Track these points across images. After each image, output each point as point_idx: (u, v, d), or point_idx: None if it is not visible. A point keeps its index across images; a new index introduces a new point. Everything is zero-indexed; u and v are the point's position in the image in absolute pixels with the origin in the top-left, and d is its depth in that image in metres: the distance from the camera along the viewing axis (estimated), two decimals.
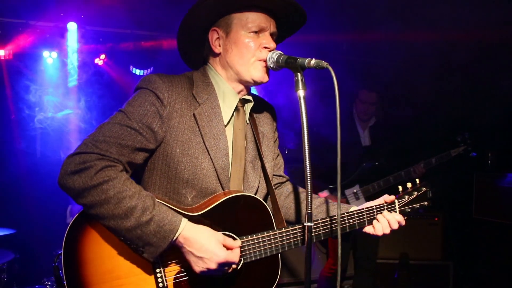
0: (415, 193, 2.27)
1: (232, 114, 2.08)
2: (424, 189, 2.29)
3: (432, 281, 5.27)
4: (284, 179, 2.43)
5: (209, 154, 1.95)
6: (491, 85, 6.39)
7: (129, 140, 1.80)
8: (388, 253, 5.29)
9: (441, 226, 5.32)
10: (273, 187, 2.23)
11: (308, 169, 1.71)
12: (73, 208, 4.87)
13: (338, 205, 1.67)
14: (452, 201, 6.31)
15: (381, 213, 2.16)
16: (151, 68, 6.07)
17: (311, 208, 1.72)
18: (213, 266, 1.79)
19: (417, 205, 2.26)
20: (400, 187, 2.31)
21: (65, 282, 1.76)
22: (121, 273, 1.80)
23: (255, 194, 2.10)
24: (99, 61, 5.76)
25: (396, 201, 2.22)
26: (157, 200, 1.81)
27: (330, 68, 1.68)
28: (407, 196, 2.25)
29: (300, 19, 2.13)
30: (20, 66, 5.57)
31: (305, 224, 1.74)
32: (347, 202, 4.57)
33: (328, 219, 2.09)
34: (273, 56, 1.94)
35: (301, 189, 2.37)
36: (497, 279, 5.64)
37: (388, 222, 2.14)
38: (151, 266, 1.84)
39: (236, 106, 2.09)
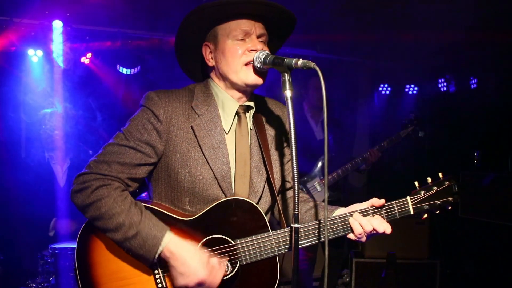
0: (435, 188, 2.09)
1: (233, 122, 2.11)
2: (447, 183, 2.10)
3: (419, 279, 5.30)
4: (290, 185, 2.37)
5: (208, 163, 2.02)
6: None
7: (128, 158, 1.97)
8: (375, 252, 5.31)
9: (427, 225, 5.35)
10: (280, 192, 2.28)
11: (295, 170, 1.71)
12: (57, 221, 4.82)
13: (325, 207, 1.66)
14: None
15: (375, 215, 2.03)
16: (138, 67, 6.02)
17: (298, 209, 1.72)
18: (191, 284, 1.89)
19: (438, 202, 2.09)
20: (416, 182, 2.11)
21: (79, 281, 2.01)
22: (125, 274, 1.99)
23: (260, 199, 2.13)
24: (85, 59, 5.70)
25: (409, 198, 2.08)
26: (146, 215, 1.94)
27: (317, 68, 1.70)
28: (423, 192, 2.09)
29: (286, 21, 2.14)
30: (4, 65, 5.49)
31: (292, 225, 1.74)
32: (310, 195, 4.76)
33: (316, 223, 2.04)
34: (260, 56, 1.94)
35: (312, 203, 2.30)
36: (483, 277, 5.71)
37: (362, 227, 2.00)
38: (151, 269, 2.00)
39: (237, 113, 2.11)
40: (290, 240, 2.01)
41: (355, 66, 7.63)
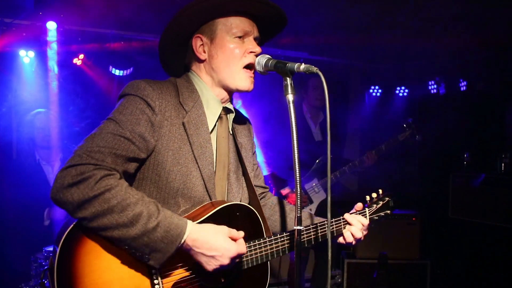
0: (380, 202, 2.41)
1: (216, 122, 2.08)
2: (387, 198, 2.42)
3: (410, 279, 5.35)
4: (266, 190, 2.46)
5: (197, 162, 1.94)
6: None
7: (123, 150, 1.75)
8: (367, 253, 5.36)
9: (418, 226, 5.41)
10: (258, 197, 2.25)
11: (297, 173, 1.72)
12: (51, 211, 4.78)
13: (328, 208, 1.68)
14: (429, 201, 6.44)
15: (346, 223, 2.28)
16: (131, 69, 6.00)
17: (300, 211, 1.73)
18: (226, 261, 1.78)
19: (382, 213, 2.40)
20: (367, 197, 2.43)
21: None
22: (119, 285, 1.74)
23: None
24: (77, 61, 5.65)
25: (367, 209, 2.36)
26: (158, 203, 1.77)
27: (320, 73, 1.70)
28: (374, 205, 2.39)
29: (280, 23, 2.15)
30: None
31: (294, 227, 1.76)
32: (308, 196, 4.89)
33: (316, 224, 2.17)
34: (262, 60, 1.95)
35: (285, 202, 2.42)
36: (473, 277, 5.78)
37: (355, 227, 2.25)
38: (149, 279, 1.79)
39: (220, 114, 2.08)
40: (290, 243, 2.06)
41: (346, 68, 7.69)
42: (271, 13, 2.06)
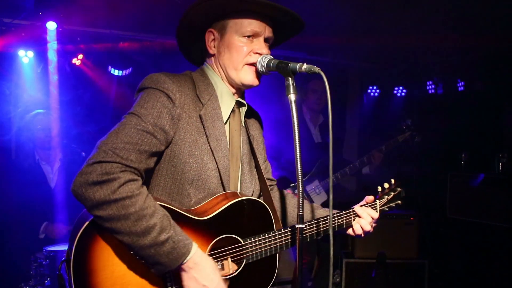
0: (392, 194, 2.44)
1: (229, 115, 2.12)
2: (398, 189, 2.46)
3: (408, 279, 5.37)
4: (274, 183, 2.50)
5: (213, 155, 1.99)
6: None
7: (146, 144, 1.79)
8: (365, 252, 5.37)
9: (417, 225, 5.41)
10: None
11: (299, 172, 1.74)
12: (49, 227, 4.78)
13: (330, 207, 1.71)
14: (427, 201, 6.46)
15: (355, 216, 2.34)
16: (130, 69, 6.01)
17: (302, 210, 1.76)
18: None
19: (393, 204, 2.44)
20: (379, 188, 2.45)
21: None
22: (131, 280, 1.80)
23: (252, 195, 2.17)
24: (76, 61, 5.65)
25: (378, 201, 2.39)
26: (171, 218, 1.80)
27: (322, 73, 1.72)
28: (385, 197, 2.43)
29: (297, 25, 2.16)
30: None
31: (296, 226, 1.78)
32: (310, 198, 4.94)
33: (320, 219, 2.22)
34: (264, 60, 1.97)
35: (290, 195, 2.46)
36: (470, 276, 5.80)
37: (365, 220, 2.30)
38: (162, 280, 1.85)
39: (233, 107, 2.12)
40: (293, 238, 2.10)
41: (344, 69, 7.71)
42: (285, 18, 2.08)
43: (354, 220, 2.31)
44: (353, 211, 2.32)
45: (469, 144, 6.39)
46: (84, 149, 5.02)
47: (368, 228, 2.29)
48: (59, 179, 4.95)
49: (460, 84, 6.82)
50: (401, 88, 7.66)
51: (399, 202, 2.45)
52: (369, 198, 2.39)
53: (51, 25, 5.06)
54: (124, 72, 5.96)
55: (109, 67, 5.92)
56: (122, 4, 4.89)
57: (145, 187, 1.78)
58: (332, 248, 1.72)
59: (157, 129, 1.82)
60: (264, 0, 1.96)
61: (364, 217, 2.29)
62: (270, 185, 2.46)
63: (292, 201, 2.46)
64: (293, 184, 4.86)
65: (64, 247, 4.12)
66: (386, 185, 2.45)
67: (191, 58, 2.27)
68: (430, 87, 7.21)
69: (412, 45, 6.10)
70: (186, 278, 1.80)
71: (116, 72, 5.95)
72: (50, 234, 4.75)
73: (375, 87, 7.83)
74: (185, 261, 1.76)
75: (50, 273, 4.04)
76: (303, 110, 5.25)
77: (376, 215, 2.33)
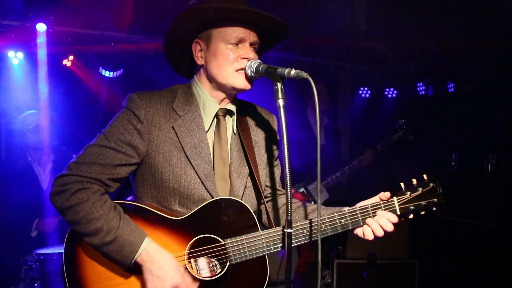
0: (420, 189, 2.13)
1: (212, 123, 2.12)
2: (432, 184, 2.13)
3: (399, 279, 5.41)
4: (277, 192, 2.41)
5: (190, 163, 2.03)
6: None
7: (108, 159, 1.97)
8: (356, 253, 5.40)
9: (407, 226, 5.46)
10: (271, 195, 2.33)
11: (288, 177, 1.75)
12: (40, 222, 4.77)
13: (318, 209, 1.71)
14: None
15: (375, 213, 2.09)
16: (121, 70, 5.99)
17: (290, 214, 1.76)
18: (167, 286, 1.90)
19: (423, 202, 2.12)
20: (402, 184, 2.16)
21: (66, 281, 2.01)
22: (112, 273, 2.00)
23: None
24: (67, 62, 5.63)
25: (395, 198, 2.12)
26: (125, 220, 1.96)
27: (310, 78, 1.73)
28: (409, 193, 2.13)
29: (280, 30, 2.15)
30: None
31: (285, 230, 1.78)
32: (312, 197, 5.19)
33: (314, 221, 2.09)
34: (253, 65, 1.97)
35: (299, 203, 2.36)
36: (460, 276, 5.85)
37: (379, 224, 2.06)
38: (134, 271, 1.99)
39: (217, 115, 2.13)
40: (282, 240, 2.05)
41: (335, 70, 7.74)
42: (268, 23, 2.07)
43: (363, 219, 2.09)
44: (373, 211, 2.09)
45: (459, 145, 6.44)
46: (75, 151, 5.00)
47: (381, 233, 2.05)
48: (51, 181, 4.91)
49: (450, 85, 6.88)
50: (391, 89, 7.70)
51: (435, 200, 2.12)
52: (384, 194, 2.11)
53: (41, 27, 5.02)
54: (115, 73, 5.95)
55: (100, 68, 5.90)
56: (113, 6, 4.88)
57: (98, 194, 1.95)
58: (320, 253, 1.71)
59: (122, 144, 1.98)
60: (245, 7, 1.98)
61: (383, 224, 2.06)
62: (271, 193, 2.40)
63: (299, 211, 2.33)
64: (296, 185, 5.12)
65: (54, 250, 4.11)
66: (414, 181, 2.15)
67: (180, 70, 2.30)
68: (421, 88, 7.26)
69: (403, 46, 6.14)
70: (144, 270, 1.94)
71: (107, 74, 5.94)
72: (41, 228, 4.75)
73: (366, 88, 7.87)
74: (135, 257, 1.91)
75: (40, 276, 4.01)
76: (307, 114, 5.46)
77: (394, 219, 2.07)
